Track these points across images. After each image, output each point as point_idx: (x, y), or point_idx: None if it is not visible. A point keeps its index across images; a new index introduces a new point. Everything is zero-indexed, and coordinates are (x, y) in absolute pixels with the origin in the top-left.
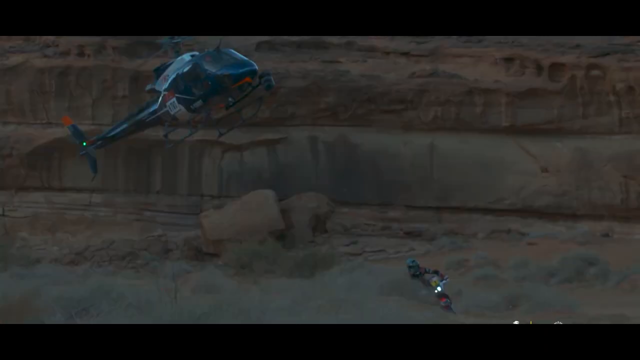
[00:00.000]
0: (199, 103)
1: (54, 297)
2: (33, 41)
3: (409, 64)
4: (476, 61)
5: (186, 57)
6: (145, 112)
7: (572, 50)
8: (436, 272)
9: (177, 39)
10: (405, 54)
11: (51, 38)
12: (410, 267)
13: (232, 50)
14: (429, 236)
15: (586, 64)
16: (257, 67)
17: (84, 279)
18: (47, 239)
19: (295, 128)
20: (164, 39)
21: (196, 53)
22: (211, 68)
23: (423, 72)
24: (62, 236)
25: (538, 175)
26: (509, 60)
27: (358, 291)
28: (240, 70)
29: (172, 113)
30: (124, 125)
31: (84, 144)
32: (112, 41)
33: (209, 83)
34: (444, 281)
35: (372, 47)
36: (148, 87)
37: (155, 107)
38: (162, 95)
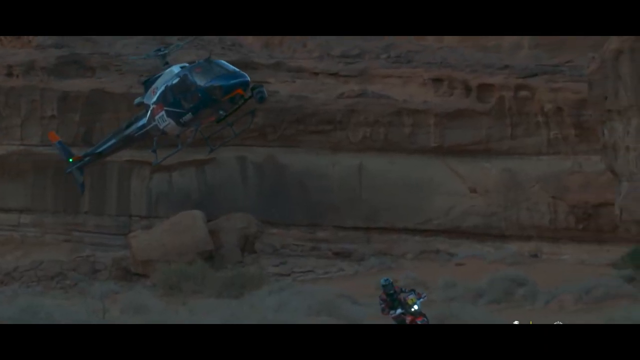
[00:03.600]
0: (188, 116)
1: None
2: None
3: (337, 84)
4: (405, 82)
5: (175, 68)
6: (134, 127)
7: (501, 71)
8: (412, 291)
9: (164, 50)
10: (334, 74)
11: None
12: (384, 286)
13: (223, 62)
14: (358, 257)
15: (514, 85)
16: (249, 79)
17: (12, 299)
18: None
19: (223, 148)
20: (150, 52)
21: (186, 64)
22: (201, 80)
23: (352, 93)
24: None
25: (466, 195)
26: (437, 80)
27: (287, 311)
28: (232, 82)
29: (161, 127)
30: (112, 141)
31: (71, 160)
32: (40, 61)
33: (199, 95)
34: (421, 299)
35: (301, 67)
36: (137, 100)
37: (144, 121)
38: (150, 108)
